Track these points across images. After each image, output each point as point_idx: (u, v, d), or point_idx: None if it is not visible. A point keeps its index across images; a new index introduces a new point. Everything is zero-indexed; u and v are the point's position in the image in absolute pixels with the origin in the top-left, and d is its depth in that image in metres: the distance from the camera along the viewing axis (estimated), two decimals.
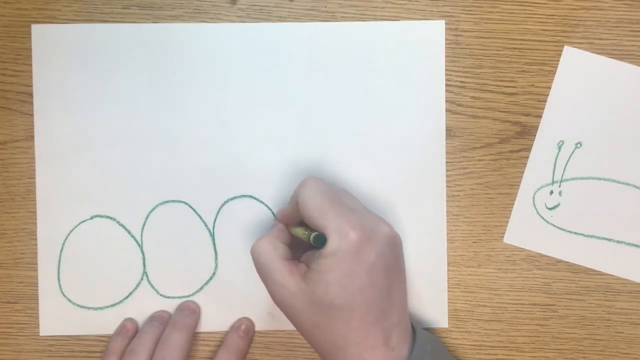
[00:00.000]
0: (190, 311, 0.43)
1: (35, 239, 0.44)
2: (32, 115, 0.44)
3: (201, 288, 0.44)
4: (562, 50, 0.44)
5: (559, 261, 0.44)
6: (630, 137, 0.44)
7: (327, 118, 0.44)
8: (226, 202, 0.44)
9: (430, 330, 0.44)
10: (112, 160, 0.44)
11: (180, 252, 0.44)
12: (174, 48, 0.44)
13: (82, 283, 0.44)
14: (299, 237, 0.39)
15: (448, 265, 0.44)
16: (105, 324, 0.44)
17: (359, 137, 0.44)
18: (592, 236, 0.44)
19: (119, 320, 0.44)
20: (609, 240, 0.44)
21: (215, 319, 0.44)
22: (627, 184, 0.44)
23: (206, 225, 0.44)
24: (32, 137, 0.44)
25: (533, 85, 0.44)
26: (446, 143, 0.44)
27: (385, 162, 0.44)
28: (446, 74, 0.44)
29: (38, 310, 0.44)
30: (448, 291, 0.44)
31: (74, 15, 0.44)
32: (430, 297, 0.44)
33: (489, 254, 0.44)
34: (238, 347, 0.43)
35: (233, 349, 0.43)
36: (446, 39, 0.44)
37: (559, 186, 0.44)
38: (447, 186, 0.44)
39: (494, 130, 0.44)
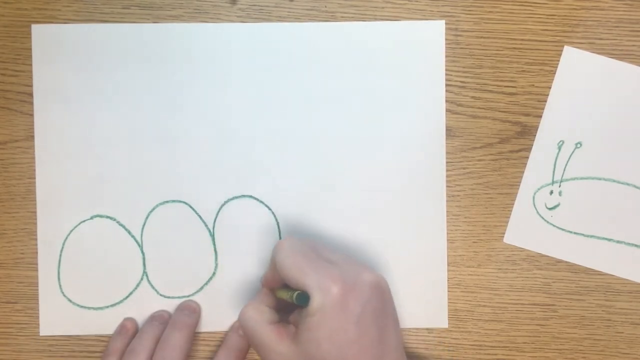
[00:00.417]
0: (190, 311, 0.43)
1: (35, 239, 0.44)
2: (32, 115, 0.44)
3: (201, 288, 0.44)
4: (562, 50, 0.44)
5: (559, 261, 0.44)
6: (630, 137, 0.44)
7: (327, 118, 0.44)
8: (226, 202, 0.44)
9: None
10: (112, 160, 0.44)
11: (180, 252, 0.44)
12: (174, 48, 0.44)
13: (82, 283, 0.44)
14: (285, 299, 0.38)
15: (448, 265, 0.44)
16: (105, 324, 0.44)
17: (359, 136, 0.44)
18: (592, 236, 0.44)
19: (119, 320, 0.44)
20: (609, 240, 0.44)
21: (215, 319, 0.44)
22: (627, 184, 0.44)
23: (206, 225, 0.44)
24: (32, 137, 0.44)
25: (533, 85, 0.44)
26: (446, 143, 0.44)
27: (385, 162, 0.44)
28: (446, 74, 0.44)
29: (38, 310, 0.44)
30: (448, 291, 0.44)
31: (74, 15, 0.44)
32: (430, 297, 0.44)
33: (489, 254, 0.44)
34: (238, 347, 0.43)
35: (233, 348, 0.43)
36: (446, 39, 0.44)
37: (559, 186, 0.44)
38: (447, 186, 0.44)
39: (494, 130, 0.44)
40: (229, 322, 0.44)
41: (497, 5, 0.44)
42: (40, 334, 0.44)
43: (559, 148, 0.44)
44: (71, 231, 0.44)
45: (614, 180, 0.44)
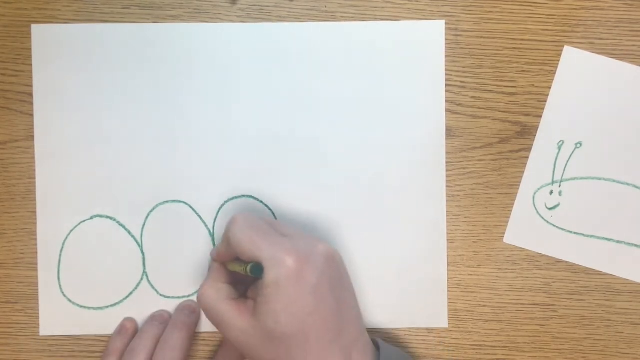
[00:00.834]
0: (190, 311, 0.43)
1: (35, 239, 0.44)
2: (32, 115, 0.44)
3: None
4: (562, 50, 0.44)
5: (559, 261, 0.44)
6: (630, 137, 0.44)
7: (327, 118, 0.44)
8: (226, 202, 0.44)
9: (400, 345, 0.44)
10: (112, 160, 0.44)
11: (180, 252, 0.44)
12: (174, 48, 0.44)
13: (82, 283, 0.44)
14: (238, 272, 0.38)
15: (448, 265, 0.44)
16: (105, 324, 0.44)
17: (359, 137, 0.44)
18: (592, 236, 0.44)
19: (119, 320, 0.44)
20: (609, 240, 0.44)
21: None
22: (627, 184, 0.44)
23: (206, 225, 0.44)
24: (32, 137, 0.44)
25: (533, 85, 0.44)
26: (446, 143, 0.44)
27: (386, 162, 0.44)
28: (446, 74, 0.44)
29: (38, 310, 0.44)
30: (448, 291, 0.44)
31: (74, 15, 0.44)
32: (430, 297, 0.44)
33: (489, 254, 0.44)
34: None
35: (233, 348, 0.43)
36: (446, 39, 0.44)
37: (559, 186, 0.44)
38: (447, 186, 0.44)
39: (494, 130, 0.44)
40: None
41: (497, 5, 0.44)
42: (40, 334, 0.44)
43: (559, 148, 0.44)
44: (71, 231, 0.44)
45: (614, 180, 0.44)
